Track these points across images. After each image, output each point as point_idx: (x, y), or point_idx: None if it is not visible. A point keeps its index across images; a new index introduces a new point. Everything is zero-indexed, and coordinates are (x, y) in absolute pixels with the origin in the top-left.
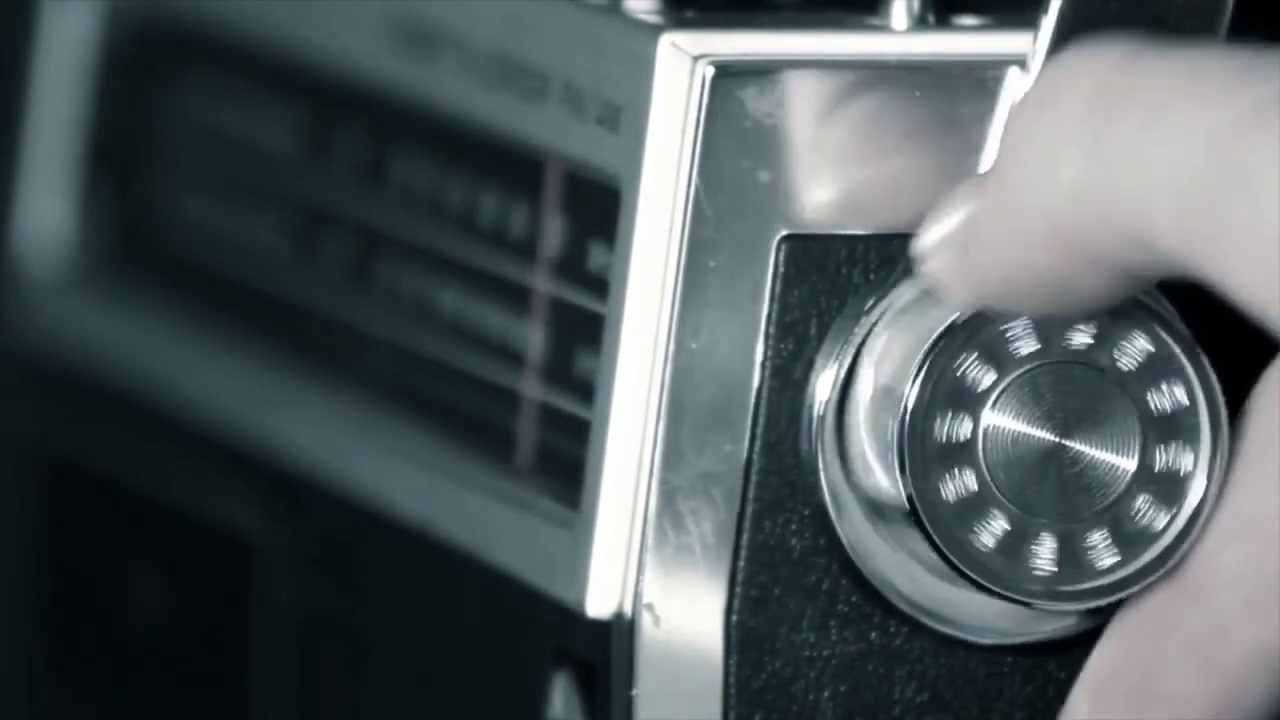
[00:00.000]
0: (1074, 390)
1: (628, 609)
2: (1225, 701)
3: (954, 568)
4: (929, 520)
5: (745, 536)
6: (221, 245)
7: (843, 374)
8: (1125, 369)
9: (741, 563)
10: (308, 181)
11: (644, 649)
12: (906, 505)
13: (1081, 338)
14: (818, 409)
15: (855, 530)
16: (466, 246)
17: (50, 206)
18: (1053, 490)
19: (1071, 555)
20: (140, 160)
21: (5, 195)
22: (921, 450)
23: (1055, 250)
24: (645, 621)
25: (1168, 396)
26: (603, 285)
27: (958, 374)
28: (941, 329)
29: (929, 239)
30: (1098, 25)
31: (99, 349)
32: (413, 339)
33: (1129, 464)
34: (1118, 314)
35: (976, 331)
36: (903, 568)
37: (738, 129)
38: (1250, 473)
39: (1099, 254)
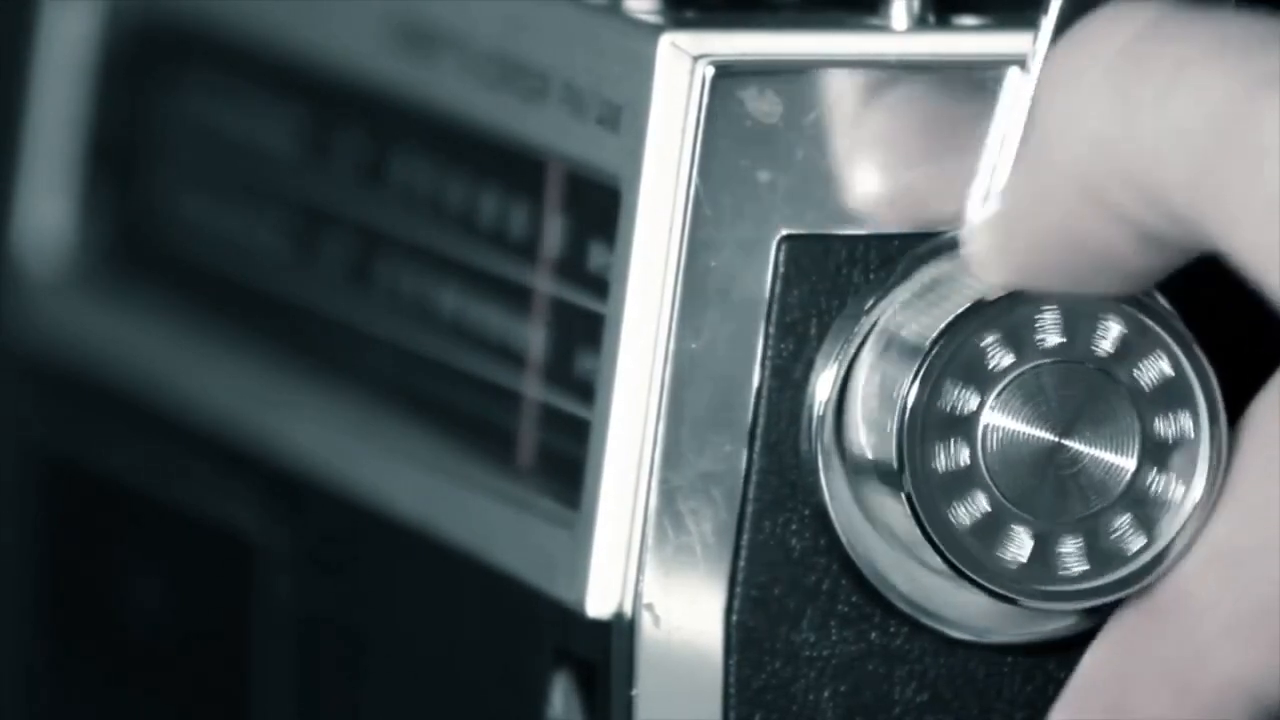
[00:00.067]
0: (1083, 394)
1: (628, 609)
2: None
3: (986, 590)
4: (948, 549)
5: (745, 536)
6: (221, 245)
7: (842, 374)
8: (1140, 386)
9: (741, 563)
10: (308, 181)
11: (644, 649)
12: (923, 535)
13: (1053, 338)
14: (818, 409)
15: (855, 530)
16: (466, 246)
17: (50, 206)
18: (1064, 490)
19: (1042, 554)
20: (140, 160)
21: (5, 195)
22: (923, 421)
23: (1081, 210)
24: (645, 621)
25: (1174, 424)
26: (603, 285)
27: (971, 354)
28: (941, 327)
29: (972, 221)
30: None
31: (99, 349)
32: (413, 339)
33: (1120, 480)
34: (1147, 332)
35: (996, 317)
36: (902, 567)
37: (738, 129)
38: (1234, 501)
39: (1121, 212)
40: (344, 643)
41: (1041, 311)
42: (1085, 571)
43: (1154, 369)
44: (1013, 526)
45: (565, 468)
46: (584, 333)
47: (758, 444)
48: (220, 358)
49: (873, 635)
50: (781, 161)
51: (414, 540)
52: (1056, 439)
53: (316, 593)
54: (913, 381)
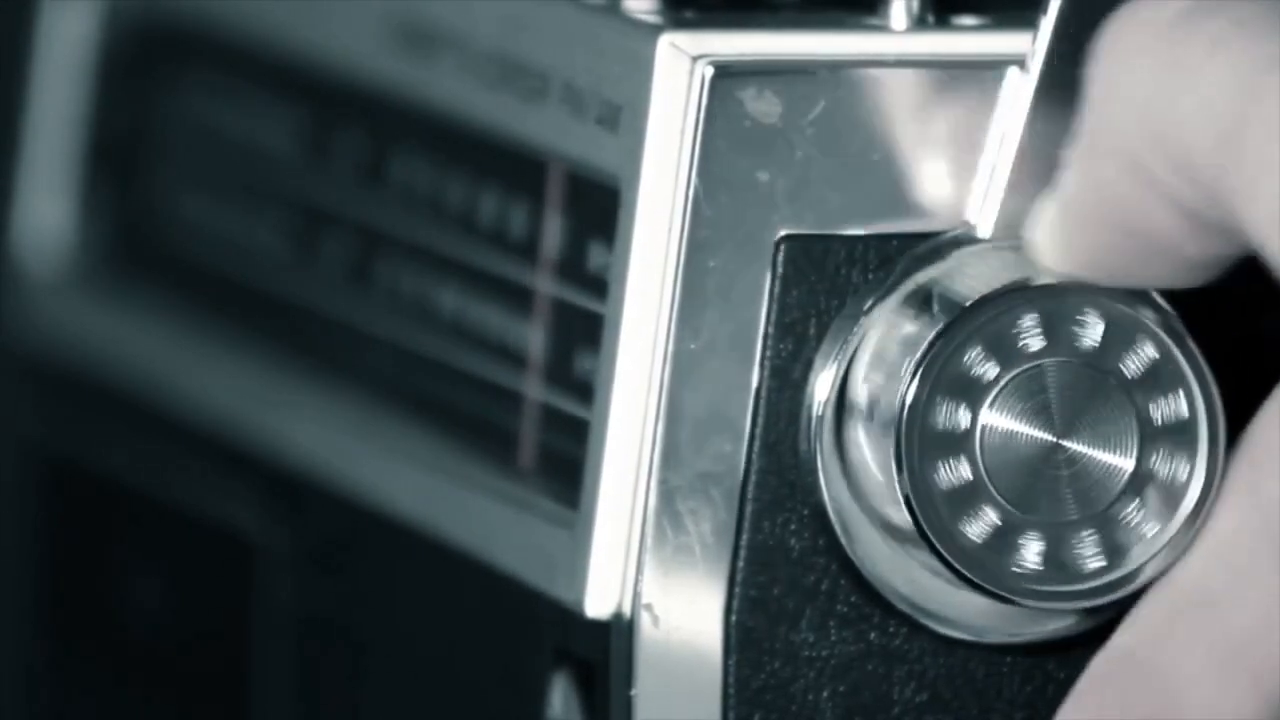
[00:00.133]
0: (1075, 392)
1: (627, 609)
2: None
3: (940, 558)
4: (920, 509)
5: (744, 536)
6: (221, 245)
7: (842, 374)
8: (1130, 375)
9: (740, 563)
10: (308, 181)
11: (643, 649)
12: (900, 493)
13: (1089, 340)
14: (817, 409)
15: (854, 530)
16: (466, 246)
17: (50, 206)
18: (1046, 489)
19: (1058, 555)
20: (140, 160)
21: (5, 195)
22: (919, 442)
23: (1126, 186)
24: (644, 621)
25: (1169, 407)
26: (602, 285)
27: (958, 370)
28: (941, 326)
29: (1036, 214)
30: (1098, 25)
31: (99, 349)
32: (413, 339)
33: (1125, 469)
34: (1127, 320)
35: (978, 329)
36: (902, 567)
37: (737, 129)
38: (1203, 543)
39: (1159, 184)
40: (344, 643)
41: (1087, 311)
42: (1103, 566)
43: (1142, 355)
44: (1024, 533)
45: (565, 468)
46: (583, 333)
47: (757, 444)
48: (220, 358)
49: (872, 635)
50: (781, 161)
51: (414, 540)
52: (1055, 439)
53: (316, 593)
54: (908, 387)
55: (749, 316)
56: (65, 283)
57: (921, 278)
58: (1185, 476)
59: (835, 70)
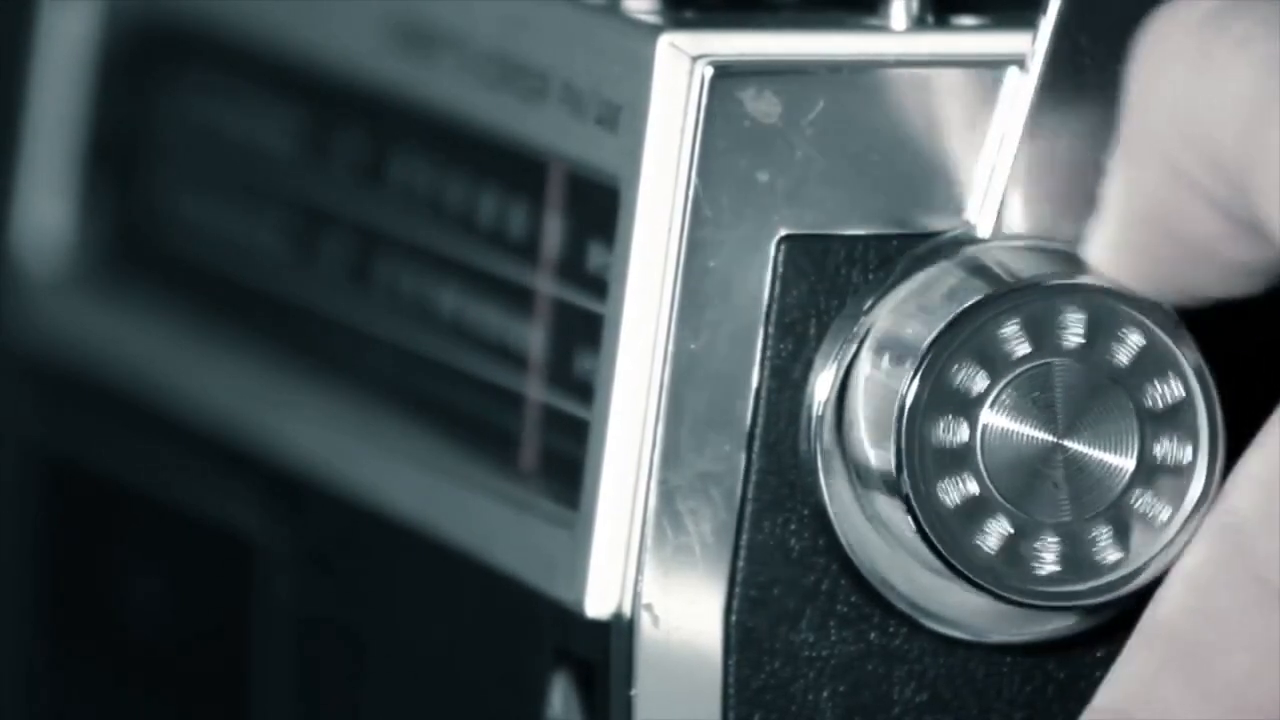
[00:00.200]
0: (1070, 389)
1: (627, 609)
2: None
3: (957, 572)
4: (929, 526)
5: (744, 536)
6: (221, 245)
7: (842, 374)
8: (1120, 365)
9: (741, 562)
10: (308, 181)
11: (643, 649)
12: (906, 510)
13: (1074, 337)
14: (817, 409)
15: (854, 530)
16: (466, 246)
17: (50, 206)
18: (1053, 490)
19: (1075, 554)
20: (140, 160)
21: (5, 195)
22: (920, 454)
23: (1165, 187)
24: (644, 621)
25: (1164, 390)
26: (602, 285)
27: (955, 376)
28: (940, 327)
29: (1090, 227)
30: (1098, 25)
31: (99, 349)
32: (413, 339)
33: (1128, 460)
34: (1108, 311)
35: (975, 332)
36: (902, 568)
37: (737, 129)
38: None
39: (1194, 181)
40: (344, 643)
41: (1067, 309)
42: (1055, 574)
43: (1129, 344)
44: (1038, 537)
45: (565, 468)
46: (583, 333)
47: (757, 444)
48: (220, 358)
49: (872, 635)
50: (780, 162)
51: (414, 540)
52: (1055, 440)
53: (316, 593)
54: (914, 377)
55: (749, 316)
56: (65, 283)
57: (922, 277)
58: (1189, 457)
59: (835, 70)
